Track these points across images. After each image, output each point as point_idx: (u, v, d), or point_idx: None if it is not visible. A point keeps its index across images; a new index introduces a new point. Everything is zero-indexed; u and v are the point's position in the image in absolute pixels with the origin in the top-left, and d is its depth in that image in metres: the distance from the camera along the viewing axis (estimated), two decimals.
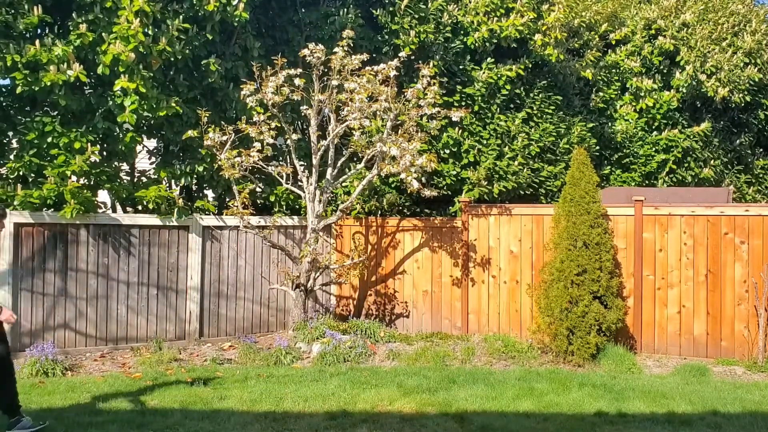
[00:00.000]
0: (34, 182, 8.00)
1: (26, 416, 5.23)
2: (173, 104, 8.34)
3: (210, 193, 10.05)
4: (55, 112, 8.29)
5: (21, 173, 7.97)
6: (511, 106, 10.32)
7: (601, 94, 11.33)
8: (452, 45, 9.96)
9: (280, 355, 7.85)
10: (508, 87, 10.02)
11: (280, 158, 10.00)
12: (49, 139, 7.92)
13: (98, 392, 6.38)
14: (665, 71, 11.45)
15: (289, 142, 8.94)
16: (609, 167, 11.32)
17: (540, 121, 10.34)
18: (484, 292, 9.13)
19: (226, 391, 6.46)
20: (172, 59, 8.38)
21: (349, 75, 8.21)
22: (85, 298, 8.09)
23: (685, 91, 11.21)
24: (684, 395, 6.37)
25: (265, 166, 8.66)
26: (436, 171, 9.36)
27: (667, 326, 8.18)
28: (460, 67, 9.97)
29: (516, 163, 9.91)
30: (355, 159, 9.05)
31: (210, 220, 8.92)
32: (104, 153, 8.77)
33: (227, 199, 9.17)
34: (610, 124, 11.33)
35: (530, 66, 10.33)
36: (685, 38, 11.45)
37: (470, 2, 10.11)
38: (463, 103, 9.79)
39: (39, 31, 8.42)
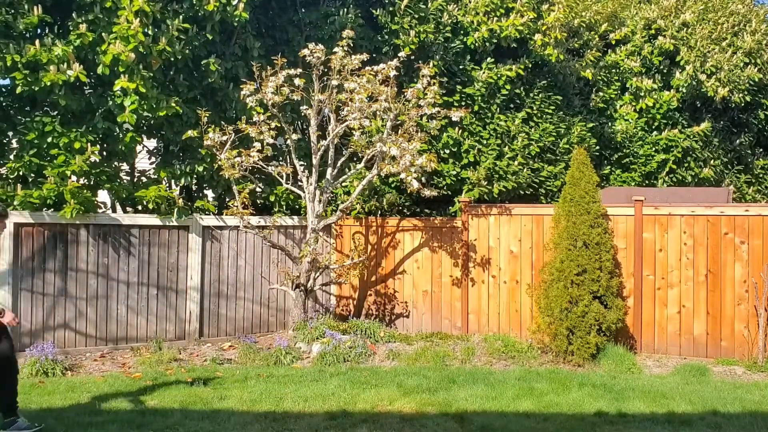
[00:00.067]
0: (34, 182, 8.00)
1: (22, 417, 5.21)
2: (173, 104, 8.34)
3: (210, 193, 10.05)
4: (55, 112, 8.29)
5: (21, 173, 7.97)
6: (511, 106, 10.32)
7: (601, 94, 11.33)
8: (452, 45, 9.96)
9: (280, 355, 7.85)
10: (508, 87, 10.01)
11: (280, 158, 10.00)
12: (49, 139, 7.92)
13: (98, 392, 6.38)
14: (665, 71, 11.45)
15: (289, 142, 8.94)
16: (609, 167, 11.32)
17: (540, 121, 10.34)
18: (484, 292, 9.13)
19: (226, 391, 6.46)
20: (172, 59, 8.38)
21: (349, 75, 8.21)
22: (85, 298, 8.10)
23: (685, 91, 11.21)
24: (684, 395, 6.37)
25: (265, 166, 8.66)
26: (436, 171, 9.36)
27: (667, 326, 8.18)
28: (460, 67, 9.97)
29: (516, 163, 9.91)
30: (355, 159, 9.05)
31: (210, 220, 8.92)
32: (104, 153, 8.77)
33: (227, 199, 9.17)
34: (610, 124, 11.33)
35: (530, 66, 10.33)
36: (685, 38, 11.45)
37: (470, 2, 10.11)
38: (463, 103, 9.79)
39: (39, 31, 8.42)
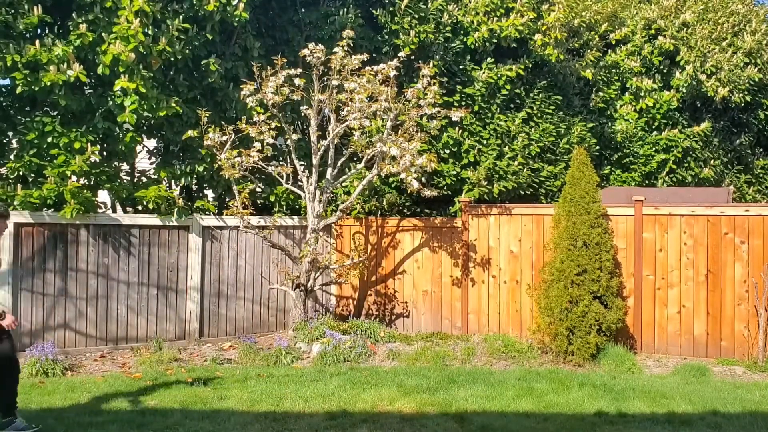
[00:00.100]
0: (34, 182, 8.00)
1: (20, 418, 5.21)
2: (173, 104, 8.34)
3: (210, 193, 10.05)
4: (55, 112, 8.29)
5: (21, 173, 7.97)
6: (511, 106, 10.32)
7: (601, 94, 11.33)
8: (452, 45, 9.96)
9: (280, 355, 7.85)
10: (508, 87, 10.01)
11: (280, 158, 10.00)
12: (49, 139, 7.92)
13: (98, 392, 6.38)
14: (665, 71, 11.45)
15: (289, 142, 8.94)
16: (609, 167, 11.32)
17: (540, 121, 10.34)
18: (484, 292, 9.13)
19: (226, 391, 6.46)
20: (172, 59, 8.38)
21: (349, 75, 8.21)
22: (85, 298, 8.10)
23: (685, 91, 11.21)
24: (684, 395, 6.37)
25: (265, 166, 8.66)
26: (436, 171, 9.36)
27: (667, 326, 8.18)
28: (460, 67, 9.96)
29: (516, 163, 9.91)
30: (355, 159, 9.05)
31: (210, 220, 8.92)
32: (104, 153, 8.77)
33: (227, 199, 9.17)
34: (610, 124, 11.33)
35: (530, 66, 10.33)
36: (685, 38, 11.45)
37: (470, 2, 10.11)
38: (463, 103, 9.79)
39: (39, 31, 8.42)
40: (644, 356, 8.12)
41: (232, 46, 9.37)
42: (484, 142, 9.92)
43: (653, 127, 11.39)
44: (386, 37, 9.79)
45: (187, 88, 8.93)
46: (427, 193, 8.65)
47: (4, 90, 8.36)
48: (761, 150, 13.09)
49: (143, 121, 8.76)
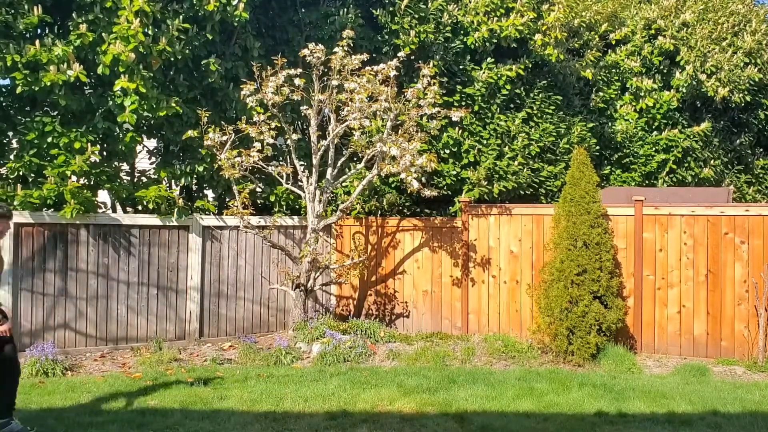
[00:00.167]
0: (34, 182, 8.00)
1: (16, 420, 5.19)
2: (173, 104, 8.34)
3: (210, 193, 10.05)
4: (55, 112, 8.29)
5: (21, 173, 7.97)
6: (511, 106, 10.32)
7: (601, 94, 11.33)
8: (452, 45, 9.96)
9: (280, 355, 7.85)
10: (508, 87, 10.02)
11: (280, 158, 10.00)
12: (49, 139, 7.92)
13: (98, 392, 6.38)
14: (665, 71, 11.45)
15: (289, 142, 8.94)
16: (609, 167, 11.32)
17: (540, 121, 10.34)
18: (484, 292, 9.13)
19: (226, 391, 6.46)
20: (172, 59, 8.38)
21: (349, 75, 8.21)
22: (85, 298, 8.10)
23: (685, 91, 11.21)
24: (684, 395, 6.37)
25: (265, 166, 8.66)
26: (436, 171, 9.36)
27: (667, 326, 8.18)
28: (460, 67, 9.97)
29: (516, 163, 9.91)
30: (355, 159, 9.05)
31: (210, 220, 8.92)
32: (104, 153, 8.77)
33: (227, 199, 9.17)
34: (610, 124, 11.33)
35: (530, 66, 10.33)
36: (685, 38, 11.45)
37: (470, 2, 10.11)
38: (463, 103, 9.79)
39: (39, 31, 8.42)
40: (644, 356, 8.12)
41: (232, 46, 9.37)
42: (484, 142, 9.92)
43: (653, 127, 11.39)
44: (386, 37, 9.79)
45: (187, 88, 8.93)
46: (427, 193, 8.65)
47: (4, 90, 8.36)
48: (761, 150, 13.09)
49: (143, 121, 8.76)
